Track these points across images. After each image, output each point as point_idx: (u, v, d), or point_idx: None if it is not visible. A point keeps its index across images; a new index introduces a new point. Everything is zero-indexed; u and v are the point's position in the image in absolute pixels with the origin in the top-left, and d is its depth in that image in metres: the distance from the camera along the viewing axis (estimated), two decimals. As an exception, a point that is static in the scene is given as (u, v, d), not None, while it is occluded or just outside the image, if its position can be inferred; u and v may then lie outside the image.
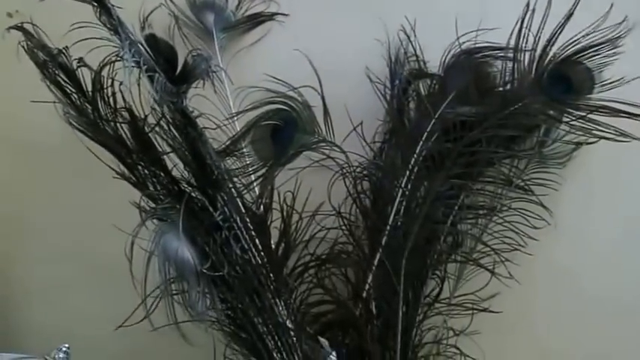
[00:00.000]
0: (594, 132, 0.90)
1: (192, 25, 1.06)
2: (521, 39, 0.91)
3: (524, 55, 0.91)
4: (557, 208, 0.99)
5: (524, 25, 0.90)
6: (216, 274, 0.80)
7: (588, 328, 1.04)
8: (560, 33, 0.90)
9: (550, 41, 0.90)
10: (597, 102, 0.90)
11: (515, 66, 0.92)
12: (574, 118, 0.91)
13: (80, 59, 0.82)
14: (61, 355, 0.86)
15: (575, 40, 0.91)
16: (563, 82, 0.95)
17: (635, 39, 0.92)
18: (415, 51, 1.00)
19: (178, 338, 0.74)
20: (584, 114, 0.90)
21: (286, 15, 1.07)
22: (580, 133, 0.93)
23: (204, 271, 0.77)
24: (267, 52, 1.06)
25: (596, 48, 0.91)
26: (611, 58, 0.91)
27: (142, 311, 0.74)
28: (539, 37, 0.91)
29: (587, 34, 0.91)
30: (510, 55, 0.93)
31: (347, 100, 1.00)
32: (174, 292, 0.75)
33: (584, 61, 0.93)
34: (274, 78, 0.95)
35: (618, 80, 0.91)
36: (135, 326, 0.77)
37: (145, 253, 0.73)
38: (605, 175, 1.03)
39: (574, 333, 1.04)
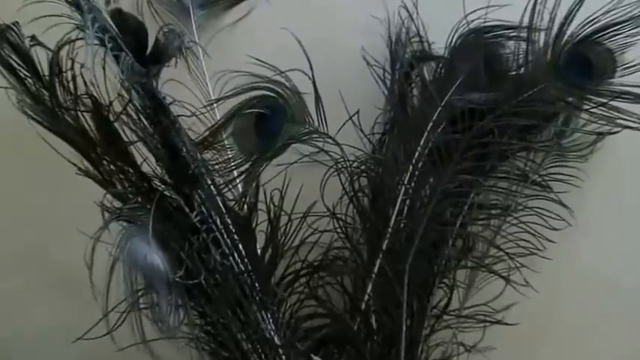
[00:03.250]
0: (617, 121, 0.84)
1: (165, 0, 1.01)
2: (535, 16, 0.87)
3: (539, 34, 0.87)
4: (579, 207, 0.95)
5: (539, 0, 0.86)
6: (191, 282, 0.75)
7: (622, 340, 0.99)
8: (578, 9, 0.85)
9: (567, 18, 0.85)
10: (619, 87, 0.85)
11: (530, 47, 0.88)
12: (595, 105, 0.86)
13: (33, 37, 0.76)
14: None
15: (594, 18, 0.85)
16: (582, 65, 0.91)
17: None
18: (418, 30, 0.97)
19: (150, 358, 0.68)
20: (605, 100, 0.85)
21: (273, -11, 1.04)
22: (602, 122, 0.88)
23: (177, 279, 0.72)
24: (251, 31, 1.02)
25: (618, 27, 0.86)
26: (635, 38, 0.86)
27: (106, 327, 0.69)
28: (555, 15, 0.86)
29: (608, 12, 0.85)
30: (524, 34, 0.88)
31: (342, 86, 0.96)
32: (142, 304, 0.69)
33: (605, 42, 0.88)
34: (259, 60, 0.89)
35: (642, 63, 0.87)
36: (102, 344, 0.71)
37: (110, 261, 0.67)
38: (632, 169, 0.99)
39: (604, 346, 0.99)
